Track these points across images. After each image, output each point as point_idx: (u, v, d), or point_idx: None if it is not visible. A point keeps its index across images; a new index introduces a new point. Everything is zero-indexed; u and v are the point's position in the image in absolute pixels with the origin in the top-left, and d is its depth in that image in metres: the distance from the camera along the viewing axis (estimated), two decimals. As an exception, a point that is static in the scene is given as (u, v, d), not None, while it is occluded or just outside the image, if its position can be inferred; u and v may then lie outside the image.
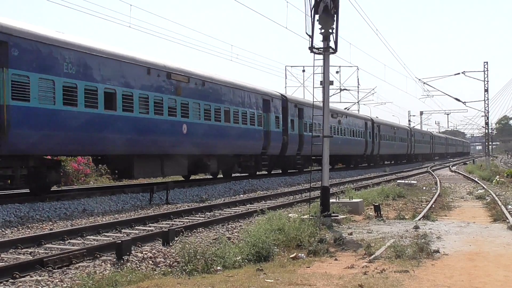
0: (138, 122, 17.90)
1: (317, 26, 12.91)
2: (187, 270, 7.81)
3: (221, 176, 27.09)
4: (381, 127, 50.94)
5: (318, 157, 13.67)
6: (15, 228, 11.78)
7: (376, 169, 44.17)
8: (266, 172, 29.95)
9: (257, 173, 28.16)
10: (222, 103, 23.13)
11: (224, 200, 18.24)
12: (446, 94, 52.42)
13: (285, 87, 54.20)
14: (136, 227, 12.30)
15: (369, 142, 46.88)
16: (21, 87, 13.84)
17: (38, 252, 9.34)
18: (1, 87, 13.29)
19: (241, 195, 20.67)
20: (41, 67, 14.40)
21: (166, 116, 19.37)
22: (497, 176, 30.71)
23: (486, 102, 46.83)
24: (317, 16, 12.81)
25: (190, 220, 13.48)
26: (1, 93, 13.28)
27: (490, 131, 60.14)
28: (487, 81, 45.72)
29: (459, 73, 45.29)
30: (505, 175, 32.01)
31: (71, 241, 10.45)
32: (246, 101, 25.36)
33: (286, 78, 53.87)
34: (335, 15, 12.87)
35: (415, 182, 27.20)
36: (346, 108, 51.87)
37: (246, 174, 27.47)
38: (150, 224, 12.77)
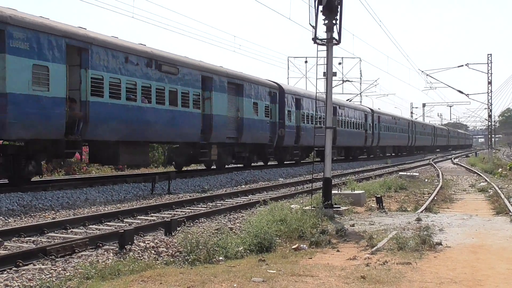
0: None
1: (321, 17, 12.87)
2: (189, 260, 7.84)
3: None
4: (305, 102, 31.20)
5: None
6: (18, 217, 11.81)
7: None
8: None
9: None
10: None
11: (225, 191, 18.25)
12: (449, 86, 51.71)
13: (288, 78, 54.13)
14: (138, 217, 12.33)
15: (279, 124, 27.84)
16: None
17: (41, 240, 9.38)
18: None
19: (243, 186, 20.68)
20: None
21: None
22: (500, 169, 30.67)
23: (489, 94, 46.75)
24: (321, 7, 12.77)
25: (192, 210, 13.50)
26: None
27: (492, 123, 59.99)
28: (491, 74, 45.53)
29: (462, 65, 45.03)
30: (508, 168, 31.94)
31: (74, 230, 10.49)
32: None
33: (288, 69, 53.70)
34: (339, 6, 12.84)
35: (417, 174, 27.19)
36: (348, 99, 51.62)
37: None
38: (152, 214, 12.79)
